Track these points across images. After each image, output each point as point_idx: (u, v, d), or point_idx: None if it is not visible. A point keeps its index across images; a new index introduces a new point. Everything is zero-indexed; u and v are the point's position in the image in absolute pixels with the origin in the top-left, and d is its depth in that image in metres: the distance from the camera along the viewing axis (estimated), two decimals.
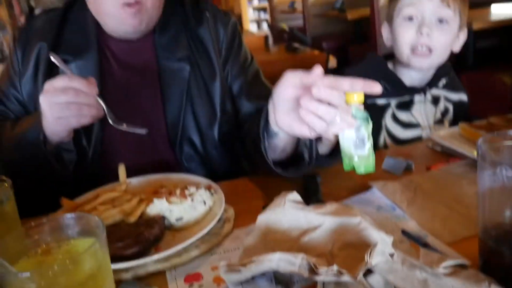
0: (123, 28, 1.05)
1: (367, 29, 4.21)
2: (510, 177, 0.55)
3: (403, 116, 1.25)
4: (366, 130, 0.78)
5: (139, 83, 1.11)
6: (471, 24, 2.93)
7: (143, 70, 1.11)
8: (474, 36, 3.07)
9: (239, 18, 9.67)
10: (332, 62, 2.52)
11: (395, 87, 1.24)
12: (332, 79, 0.70)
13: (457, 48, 1.24)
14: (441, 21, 1.16)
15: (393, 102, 1.24)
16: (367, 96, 0.75)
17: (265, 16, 10.28)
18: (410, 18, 1.18)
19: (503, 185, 0.57)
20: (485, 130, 1.01)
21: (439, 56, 1.20)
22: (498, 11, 3.51)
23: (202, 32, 1.14)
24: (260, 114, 0.92)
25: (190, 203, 0.79)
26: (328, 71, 2.49)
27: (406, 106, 1.25)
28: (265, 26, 10.26)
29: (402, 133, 1.25)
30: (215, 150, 1.13)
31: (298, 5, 6.08)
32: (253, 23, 10.33)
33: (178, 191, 0.81)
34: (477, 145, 0.60)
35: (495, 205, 0.59)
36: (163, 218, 0.77)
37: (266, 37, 3.03)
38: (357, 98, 0.75)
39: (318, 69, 0.71)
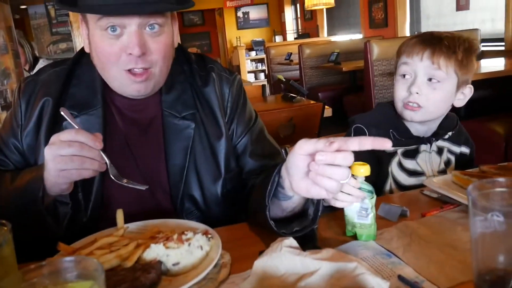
0: (128, 91, 1.06)
1: (361, 80, 4.35)
2: (501, 223, 0.57)
3: (408, 164, 1.28)
4: (370, 201, 0.85)
5: (142, 139, 1.11)
6: None
7: (148, 126, 1.12)
8: None
9: (237, 69, 9.96)
10: (328, 111, 2.59)
11: (402, 136, 1.28)
12: (341, 142, 0.72)
13: (460, 103, 1.28)
14: (432, 80, 1.21)
15: (400, 150, 1.28)
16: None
17: (262, 67, 10.60)
18: (405, 76, 1.25)
19: (495, 231, 0.58)
20: (476, 178, 1.03)
21: (431, 112, 1.25)
22: (487, 65, 3.65)
23: (208, 91, 1.15)
24: (265, 174, 0.94)
25: (187, 248, 0.79)
26: (323, 120, 2.55)
27: (412, 154, 1.29)
28: (262, 76, 10.55)
29: (407, 180, 1.28)
30: (217, 207, 1.13)
31: (294, 57, 6.28)
32: (251, 74, 10.62)
33: (175, 236, 0.81)
34: (467, 192, 0.62)
35: (488, 251, 0.60)
36: (159, 263, 0.77)
37: (263, 86, 3.12)
38: (363, 172, 0.79)
39: (331, 138, 0.73)
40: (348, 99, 4.89)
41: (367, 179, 0.84)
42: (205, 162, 1.12)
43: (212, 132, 1.13)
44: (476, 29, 4.38)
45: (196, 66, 1.19)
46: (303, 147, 0.75)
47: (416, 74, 1.22)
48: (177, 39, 1.13)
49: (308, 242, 0.86)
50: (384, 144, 0.71)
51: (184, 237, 0.81)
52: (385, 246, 0.86)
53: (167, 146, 1.10)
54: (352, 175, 0.82)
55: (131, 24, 0.97)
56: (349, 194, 0.83)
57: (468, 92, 1.27)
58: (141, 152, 1.11)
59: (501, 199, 0.63)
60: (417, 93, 1.21)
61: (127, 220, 0.93)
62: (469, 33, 4.30)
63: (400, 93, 1.25)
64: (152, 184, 1.07)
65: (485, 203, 0.60)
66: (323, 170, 0.73)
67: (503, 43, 4.36)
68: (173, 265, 0.78)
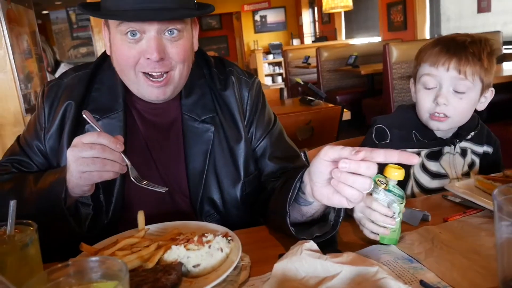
0: (146, 96, 1.08)
1: (380, 84, 4.30)
2: None
3: (431, 166, 1.26)
4: (399, 206, 0.85)
5: (163, 142, 1.13)
6: None
7: (168, 129, 1.14)
8: None
9: (255, 73, 9.97)
10: (347, 115, 2.57)
11: (425, 137, 1.27)
12: (367, 152, 0.71)
13: (482, 107, 1.25)
14: (458, 90, 1.18)
15: (423, 151, 1.26)
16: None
17: (279, 70, 10.59)
18: (429, 87, 1.22)
19: None
20: (500, 183, 1.01)
21: (458, 120, 1.24)
22: (509, 67, 3.58)
23: (228, 95, 1.16)
24: (286, 178, 0.94)
25: (208, 250, 0.80)
26: (342, 123, 2.53)
27: (435, 156, 1.27)
28: (279, 80, 10.55)
29: (430, 183, 1.26)
30: (236, 210, 1.14)
31: (312, 61, 6.27)
32: (268, 77, 10.63)
33: (196, 238, 0.82)
34: (492, 196, 0.61)
35: None
36: (180, 264, 0.77)
37: (281, 89, 3.11)
38: (397, 175, 0.79)
39: (357, 148, 0.73)
40: (367, 103, 4.85)
41: (399, 183, 0.84)
42: (224, 165, 1.12)
43: (232, 136, 1.14)
44: (498, 32, 4.30)
45: (216, 69, 1.19)
46: (328, 153, 0.75)
47: (441, 85, 1.19)
48: (197, 43, 1.14)
49: (328, 246, 0.86)
50: (411, 159, 0.70)
51: (204, 239, 0.82)
52: (406, 251, 0.85)
53: (187, 149, 1.11)
54: (385, 177, 0.82)
55: (150, 29, 0.99)
56: (382, 226, 0.85)
57: (489, 95, 1.25)
58: (161, 155, 1.12)
59: None
60: (444, 104, 1.18)
61: (146, 222, 0.94)
62: (491, 36, 4.21)
63: (426, 104, 1.22)
64: (172, 186, 1.08)
65: (511, 208, 0.58)
66: (345, 177, 0.72)
67: None
68: (194, 266, 0.78)
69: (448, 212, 1.01)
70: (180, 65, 1.05)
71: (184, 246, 0.80)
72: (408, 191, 1.26)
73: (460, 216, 0.98)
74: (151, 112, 1.14)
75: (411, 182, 1.26)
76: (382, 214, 0.84)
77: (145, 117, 1.14)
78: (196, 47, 1.14)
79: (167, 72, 1.03)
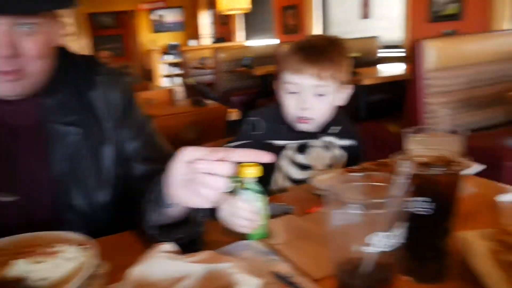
0: None
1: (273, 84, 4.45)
2: (354, 214, 0.61)
3: (299, 158, 1.34)
4: (260, 202, 0.88)
5: (22, 147, 1.04)
6: (360, 81, 3.24)
7: (27, 133, 1.05)
8: (366, 91, 3.40)
9: (149, 73, 9.75)
10: (235, 115, 2.62)
11: (293, 131, 1.35)
12: (223, 152, 0.72)
13: (342, 102, 1.37)
14: (319, 95, 1.29)
15: (290, 144, 1.34)
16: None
17: (179, 71, 10.46)
18: (292, 93, 1.31)
19: (349, 222, 0.62)
20: None
21: (321, 120, 1.35)
22: (383, 69, 3.95)
23: (93, 96, 1.10)
24: (154, 183, 0.92)
25: (57, 262, 0.74)
26: (231, 123, 2.58)
27: (302, 149, 1.35)
28: (177, 81, 10.41)
29: (298, 175, 1.33)
30: (105, 216, 1.09)
31: (210, 62, 6.29)
32: (167, 78, 10.42)
33: (44, 250, 0.76)
34: (326, 186, 0.65)
35: (344, 242, 0.64)
36: (22, 279, 0.71)
37: (172, 90, 3.08)
38: (252, 173, 0.82)
39: (215, 148, 0.74)
40: (261, 103, 4.98)
41: (264, 178, 0.87)
42: (90, 169, 1.07)
43: (98, 138, 1.09)
44: (375, 37, 4.71)
45: (82, 68, 1.13)
46: (185, 155, 0.75)
47: (303, 91, 1.29)
48: (58, 38, 1.07)
49: (192, 246, 0.86)
50: (265, 157, 0.73)
51: (53, 249, 0.76)
52: (267, 244, 0.88)
53: (49, 154, 1.04)
54: (241, 177, 0.85)
55: (0, 23, 0.90)
56: (246, 219, 0.87)
57: (347, 91, 1.37)
58: (21, 162, 1.03)
59: (357, 192, 0.67)
60: (308, 108, 1.28)
61: (4, 234, 0.86)
62: (369, 40, 4.63)
63: (291, 110, 1.32)
64: (32, 195, 1.00)
65: (342, 197, 0.63)
66: (201, 178, 0.73)
67: (402, 49, 4.71)
68: (41, 280, 0.73)
69: (311, 205, 1.06)
70: (35, 61, 0.97)
71: (30, 259, 0.74)
72: (276, 184, 1.33)
73: (319, 207, 1.04)
74: (8, 114, 1.04)
75: (280, 175, 1.32)
76: (246, 211, 0.87)
77: (2, 121, 1.04)
78: (57, 43, 1.06)
79: (20, 70, 0.95)
